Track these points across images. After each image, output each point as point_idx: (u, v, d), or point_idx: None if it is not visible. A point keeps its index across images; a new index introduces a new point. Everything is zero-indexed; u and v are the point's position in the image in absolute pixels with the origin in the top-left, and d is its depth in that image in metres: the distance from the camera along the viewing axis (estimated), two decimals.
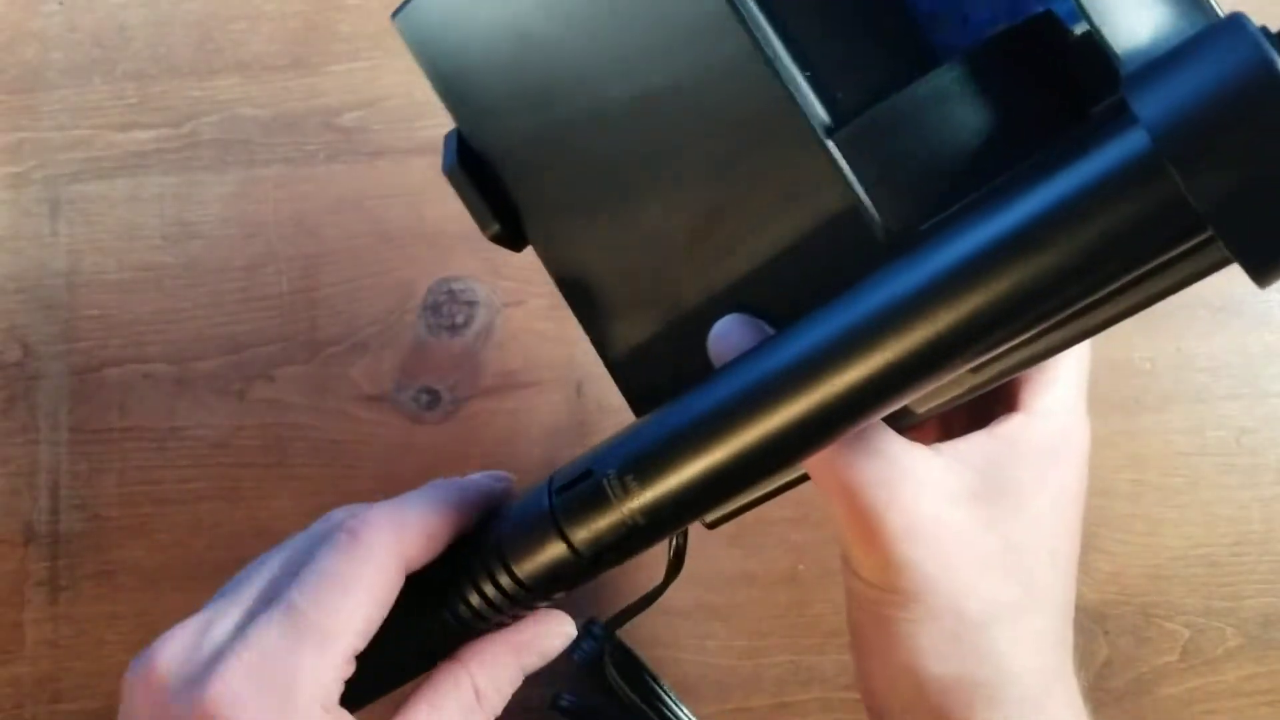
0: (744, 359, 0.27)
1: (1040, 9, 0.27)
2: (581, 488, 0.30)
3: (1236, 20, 0.20)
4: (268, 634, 0.29)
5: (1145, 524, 0.49)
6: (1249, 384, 0.50)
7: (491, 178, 0.34)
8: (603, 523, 0.29)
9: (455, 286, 0.51)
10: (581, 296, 0.34)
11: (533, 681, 0.43)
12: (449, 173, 0.34)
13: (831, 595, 0.48)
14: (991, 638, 0.29)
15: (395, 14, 0.34)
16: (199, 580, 0.49)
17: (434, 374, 0.50)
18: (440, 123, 0.53)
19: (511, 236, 0.34)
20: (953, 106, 0.26)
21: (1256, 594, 0.48)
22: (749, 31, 0.27)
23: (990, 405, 0.32)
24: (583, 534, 0.30)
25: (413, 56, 0.34)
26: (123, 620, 0.49)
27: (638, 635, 0.48)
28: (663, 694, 0.46)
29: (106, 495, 0.50)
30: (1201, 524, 0.49)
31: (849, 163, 0.26)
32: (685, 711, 0.46)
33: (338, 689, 0.30)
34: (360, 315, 0.51)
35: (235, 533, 0.49)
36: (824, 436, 0.26)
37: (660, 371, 0.32)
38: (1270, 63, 0.19)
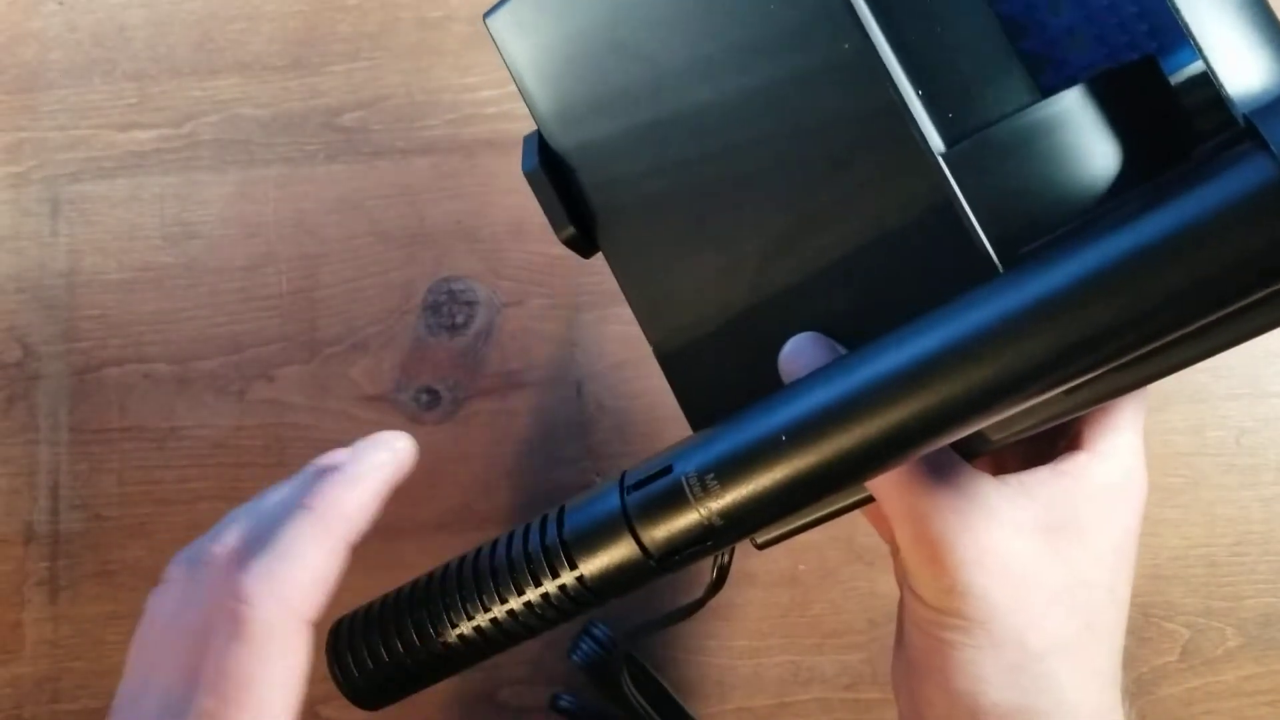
0: (832, 369, 0.27)
1: (1137, 56, 0.28)
2: (659, 485, 0.29)
3: None
4: None
5: (1145, 524, 0.48)
6: (1249, 384, 0.50)
7: (569, 181, 0.34)
8: (680, 522, 0.29)
9: (455, 286, 0.51)
10: (647, 304, 0.34)
11: (532, 681, 0.43)
12: (530, 174, 0.34)
13: (831, 596, 0.48)
14: (1053, 670, 0.29)
15: (487, 15, 0.34)
16: None
17: (434, 374, 0.50)
18: (439, 122, 0.53)
19: (584, 241, 0.34)
20: (1060, 135, 0.27)
21: (1256, 594, 0.48)
22: (870, 45, 0.27)
23: (1051, 443, 0.32)
24: (657, 533, 0.29)
25: (502, 58, 0.35)
26: (123, 620, 0.49)
27: None
28: (676, 710, 0.46)
29: (106, 495, 0.50)
30: (1201, 524, 0.49)
31: (959, 182, 0.27)
32: None
33: None
34: (360, 315, 0.51)
35: None
36: (916, 446, 0.26)
37: (720, 382, 0.32)
38: None
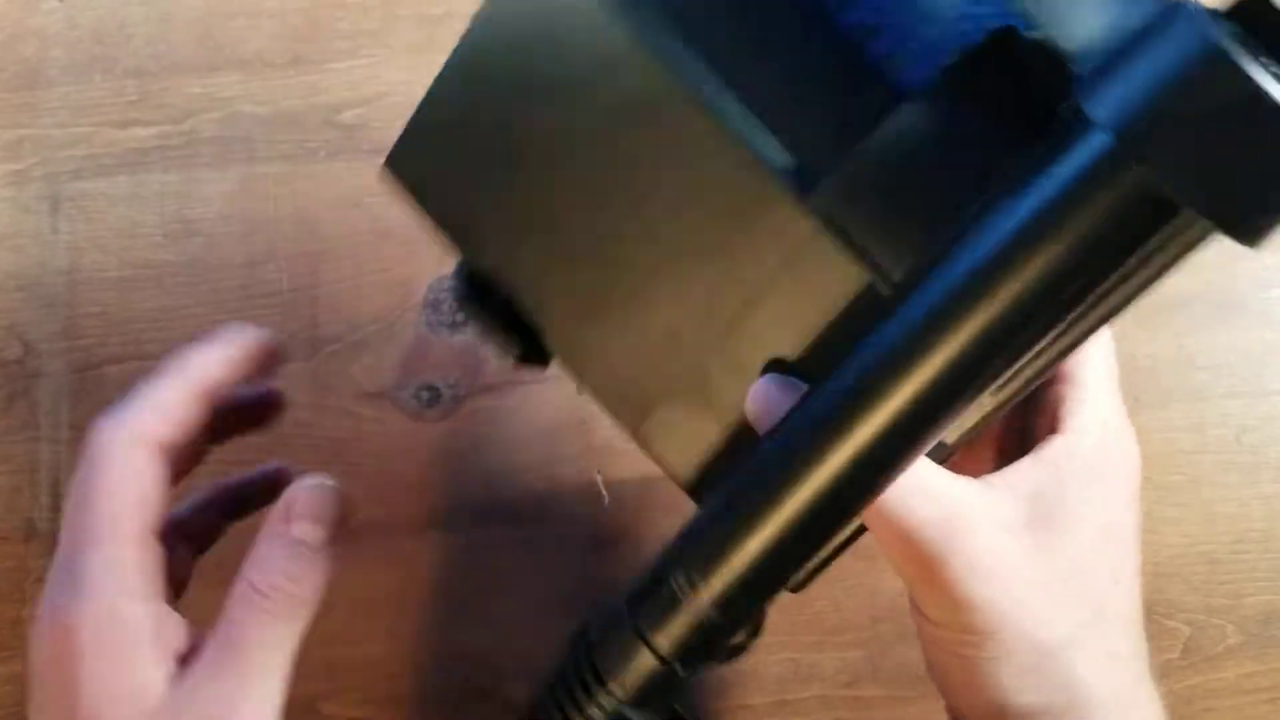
0: (778, 429, 0.27)
1: (998, 23, 0.27)
2: (653, 594, 0.29)
3: (1182, 8, 0.20)
4: (54, 575, 0.32)
5: (1146, 522, 0.48)
6: (1250, 382, 0.50)
7: (503, 302, 0.34)
8: (678, 625, 0.29)
9: None
10: (614, 399, 0.34)
11: (533, 680, 0.42)
12: (461, 305, 0.34)
13: (832, 593, 0.48)
14: (1069, 663, 0.29)
15: (387, 162, 0.34)
16: (197, 578, 0.49)
17: (435, 371, 0.50)
18: None
19: (534, 355, 0.34)
20: (922, 140, 0.26)
21: (1257, 592, 0.48)
22: (706, 107, 0.27)
23: (1033, 429, 0.32)
24: (663, 641, 0.29)
25: (408, 198, 0.35)
26: None
27: None
28: None
29: None
30: (1202, 522, 0.49)
31: (827, 220, 0.26)
32: None
33: (140, 573, 0.31)
34: (361, 313, 0.51)
35: (234, 530, 0.49)
36: (873, 484, 0.26)
37: (709, 455, 0.32)
38: (1214, 44, 0.19)
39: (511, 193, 0.33)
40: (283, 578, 0.32)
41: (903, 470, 0.26)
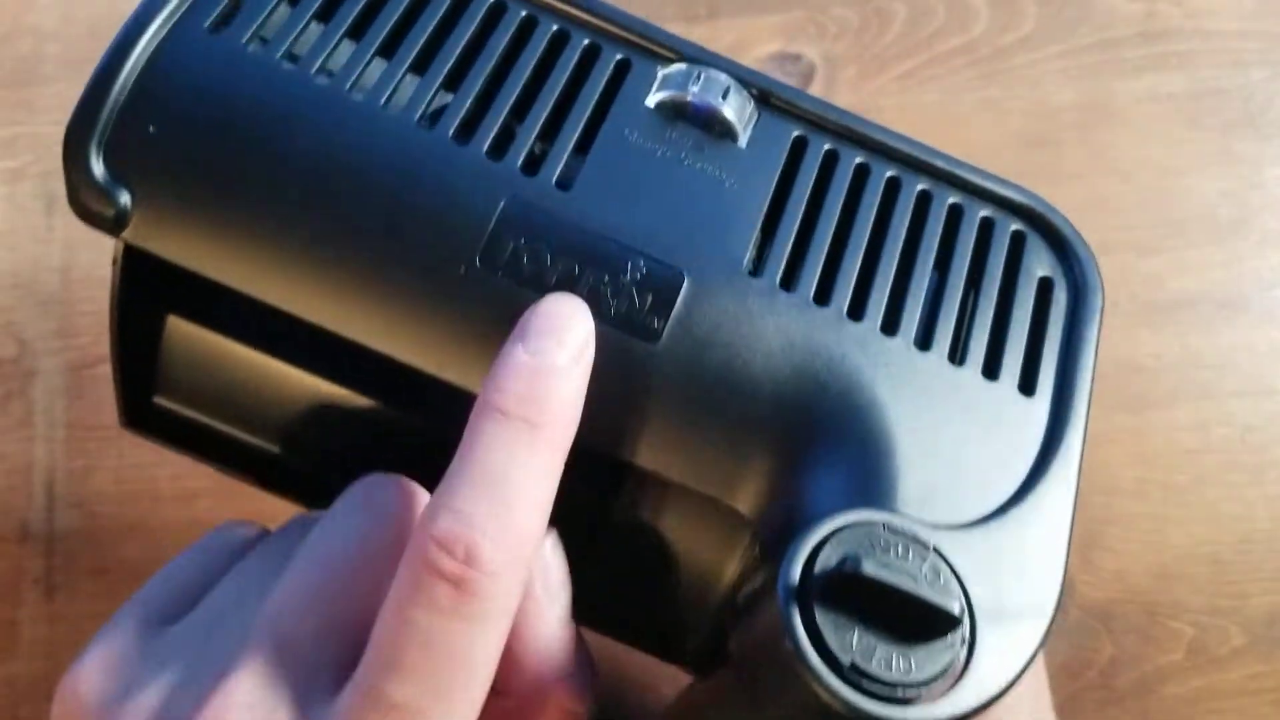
0: None
1: None
2: None
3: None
4: None
5: (1150, 522, 0.48)
6: (1255, 380, 0.49)
7: None
8: None
9: None
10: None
11: None
12: None
13: None
14: None
15: None
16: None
17: None
18: None
19: None
20: None
21: (1262, 592, 0.48)
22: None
23: None
24: None
25: None
26: None
27: None
28: None
29: (103, 493, 0.49)
30: (1207, 522, 0.48)
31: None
32: None
33: None
34: None
35: None
36: None
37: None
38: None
39: None
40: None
41: None
